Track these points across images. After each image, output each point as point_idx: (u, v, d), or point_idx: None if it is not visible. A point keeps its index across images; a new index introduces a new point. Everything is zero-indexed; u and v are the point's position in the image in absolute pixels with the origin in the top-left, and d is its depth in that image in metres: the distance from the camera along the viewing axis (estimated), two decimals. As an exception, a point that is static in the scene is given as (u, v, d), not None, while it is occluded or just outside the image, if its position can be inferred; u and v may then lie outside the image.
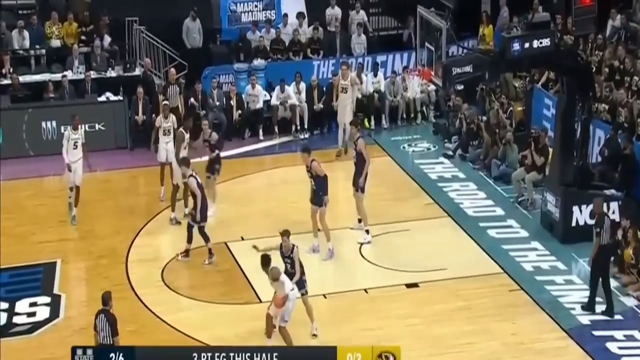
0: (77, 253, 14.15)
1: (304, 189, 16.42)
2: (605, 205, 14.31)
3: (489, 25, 20.45)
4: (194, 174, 13.70)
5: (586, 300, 12.74)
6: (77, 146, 15.03)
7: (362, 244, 14.49)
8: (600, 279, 12.60)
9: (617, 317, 12.56)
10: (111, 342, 10.17)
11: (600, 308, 12.59)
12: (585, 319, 12.50)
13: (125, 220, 15.09)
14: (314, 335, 11.99)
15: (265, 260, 11.65)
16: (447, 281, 13.34)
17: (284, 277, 11.53)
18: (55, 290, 13.29)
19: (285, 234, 12.21)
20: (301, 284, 11.96)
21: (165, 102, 16.44)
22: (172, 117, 15.67)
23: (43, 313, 12.74)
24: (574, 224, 14.42)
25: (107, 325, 10.21)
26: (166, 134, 15.47)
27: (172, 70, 18.01)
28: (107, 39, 19.66)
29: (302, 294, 11.97)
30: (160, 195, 15.68)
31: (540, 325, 12.39)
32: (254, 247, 12.36)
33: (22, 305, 12.88)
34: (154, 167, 17.54)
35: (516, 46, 13.66)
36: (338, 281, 13.46)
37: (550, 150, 15.55)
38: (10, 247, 14.26)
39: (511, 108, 18.01)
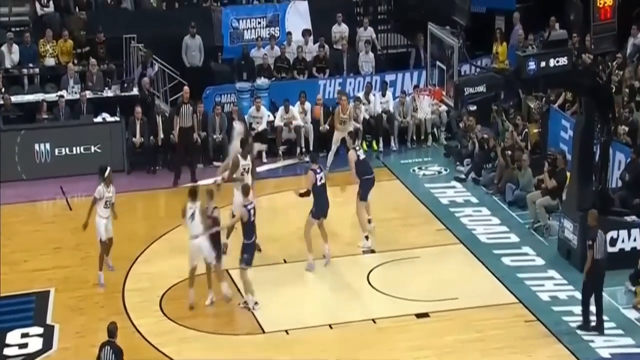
0: (71, 281, 14.29)
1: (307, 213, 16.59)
2: (626, 232, 14.51)
3: (503, 43, 20.64)
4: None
5: (607, 329, 12.88)
6: (108, 205, 14.16)
7: (363, 250, 15.09)
8: (594, 294, 12.81)
9: (638, 349, 12.64)
10: None
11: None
12: (605, 352, 12.59)
13: (122, 246, 15.21)
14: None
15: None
16: (460, 311, 13.44)
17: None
18: (49, 321, 13.40)
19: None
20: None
21: (108, 171, 14.43)
22: (112, 188, 14.39)
23: (35, 344, 12.84)
24: (593, 251, 14.49)
25: (113, 358, 10.31)
26: (107, 206, 14.23)
27: (186, 88, 18.23)
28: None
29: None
30: (100, 281, 14.24)
31: (557, 359, 12.47)
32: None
33: (13, 336, 12.99)
34: (153, 191, 17.78)
35: (532, 65, 13.81)
36: (345, 310, 13.56)
37: (568, 174, 15.69)
38: (2, 275, 14.41)
39: (526, 130, 18.17)
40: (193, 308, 13.51)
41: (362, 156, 15.36)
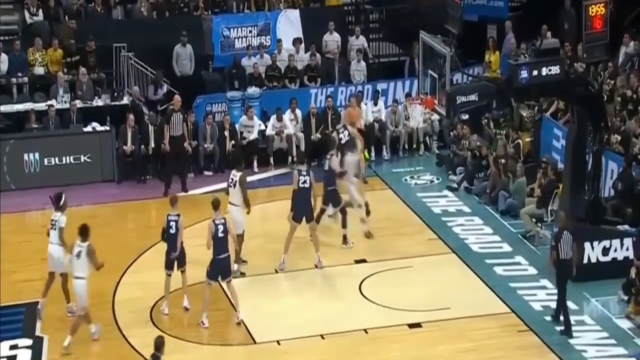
0: (60, 292, 14.23)
1: (301, 224, 16.63)
2: (619, 241, 14.60)
3: (495, 51, 20.77)
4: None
5: (599, 339, 13.00)
6: (80, 256, 12.82)
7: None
8: (558, 293, 13.24)
9: (631, 359, 12.73)
10: None
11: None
12: (597, 362, 12.68)
13: (112, 257, 15.17)
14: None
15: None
16: (452, 321, 13.49)
17: None
18: (38, 332, 13.38)
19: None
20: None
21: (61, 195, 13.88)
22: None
23: (24, 356, 12.83)
24: (585, 261, 14.58)
25: None
26: (54, 226, 13.50)
27: (177, 97, 18.27)
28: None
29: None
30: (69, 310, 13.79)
31: (550, 368, 12.56)
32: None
33: (2, 348, 12.96)
34: (143, 201, 17.78)
35: (524, 74, 13.92)
36: (337, 321, 13.61)
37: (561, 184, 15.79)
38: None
39: (519, 140, 18.26)
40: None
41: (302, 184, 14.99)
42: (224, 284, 13.59)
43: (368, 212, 16.15)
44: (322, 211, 15.80)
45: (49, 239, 13.61)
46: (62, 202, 13.73)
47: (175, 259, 13.69)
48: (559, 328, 13.30)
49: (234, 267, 14.57)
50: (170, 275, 13.81)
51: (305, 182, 14.72)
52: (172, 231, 13.66)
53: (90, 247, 12.76)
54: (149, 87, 20.00)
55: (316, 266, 14.96)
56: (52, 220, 13.66)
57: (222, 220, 13.30)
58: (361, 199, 16.03)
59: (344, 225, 15.84)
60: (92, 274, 14.29)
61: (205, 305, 13.38)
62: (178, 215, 13.65)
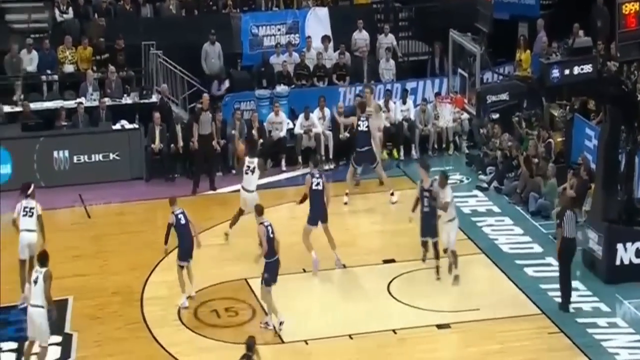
0: (89, 290, 14.39)
1: (329, 222, 16.64)
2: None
3: (526, 50, 20.61)
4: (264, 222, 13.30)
5: (632, 342, 12.94)
6: (37, 282, 12.09)
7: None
8: (562, 271, 13.68)
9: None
10: None
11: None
12: (630, 365, 12.58)
13: (141, 255, 15.33)
14: None
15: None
16: (481, 322, 13.43)
17: None
18: (67, 329, 13.50)
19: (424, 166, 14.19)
20: None
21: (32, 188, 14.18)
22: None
23: (54, 353, 12.90)
24: (618, 262, 14.49)
25: None
26: (27, 213, 13.94)
27: (205, 96, 18.39)
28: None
29: None
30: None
31: (581, 371, 12.48)
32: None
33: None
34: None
35: (556, 73, 13.83)
36: (365, 321, 13.58)
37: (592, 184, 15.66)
38: (19, 284, 14.51)
39: (550, 139, 18.13)
40: None
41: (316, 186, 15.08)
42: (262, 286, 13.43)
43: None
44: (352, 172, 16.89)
45: (19, 227, 13.83)
46: (30, 191, 14.02)
47: (190, 249, 13.85)
48: (543, 286, 14.04)
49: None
50: (183, 267, 13.90)
51: (318, 184, 14.82)
52: (183, 222, 13.90)
53: (47, 273, 11.97)
54: (212, 83, 20.06)
55: (337, 265, 14.92)
56: (26, 207, 13.89)
57: (269, 222, 13.25)
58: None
59: (382, 182, 17.08)
60: (123, 269, 14.49)
61: (270, 307, 13.24)
62: (182, 209, 13.96)
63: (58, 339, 13.23)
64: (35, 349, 12.22)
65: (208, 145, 18.19)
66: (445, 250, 14.29)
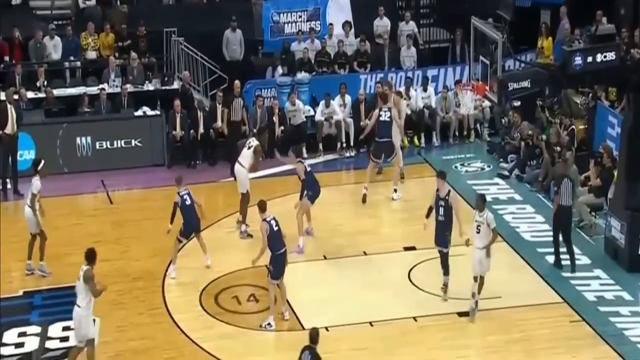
0: (112, 275, 14.36)
1: (349, 210, 16.56)
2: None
3: (549, 37, 20.36)
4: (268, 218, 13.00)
5: None
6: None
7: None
8: (562, 237, 14.13)
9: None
10: None
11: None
12: (653, 354, 12.41)
13: (162, 241, 15.27)
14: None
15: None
16: (503, 310, 13.30)
17: None
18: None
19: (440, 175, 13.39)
20: None
21: (42, 164, 14.40)
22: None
23: (76, 338, 12.94)
24: (640, 251, 14.33)
25: None
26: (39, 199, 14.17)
27: (237, 82, 18.35)
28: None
29: None
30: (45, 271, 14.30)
31: (603, 360, 12.33)
32: None
33: (54, 330, 13.11)
34: (193, 185, 17.83)
35: (578, 60, 13.74)
36: (385, 308, 13.49)
37: (615, 172, 15.46)
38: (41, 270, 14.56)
39: (573, 127, 17.92)
40: None
41: (308, 168, 15.32)
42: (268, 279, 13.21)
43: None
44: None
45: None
46: (39, 167, 14.16)
47: (194, 228, 14.16)
48: (565, 274, 14.12)
49: (242, 227, 15.27)
50: (181, 242, 14.27)
51: (308, 166, 15.40)
52: (188, 203, 14.20)
53: (88, 271, 11.53)
54: (267, 69, 20.18)
55: (307, 232, 15.20)
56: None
57: (272, 216, 13.07)
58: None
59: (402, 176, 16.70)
60: (145, 255, 14.47)
61: (272, 308, 13.03)
62: (187, 190, 14.26)
63: (80, 324, 13.23)
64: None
65: (238, 131, 18.10)
66: (475, 278, 13.09)
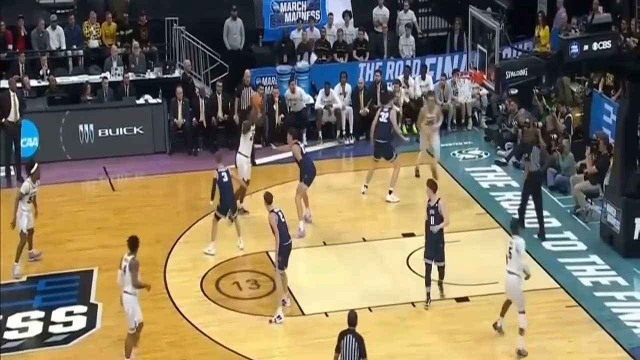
0: (114, 261, 14.10)
1: (349, 196, 16.51)
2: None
3: (546, 26, 20.30)
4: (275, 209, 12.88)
5: None
6: (30, 200, 12.96)
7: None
8: (534, 203, 14.75)
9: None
10: None
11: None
12: (647, 338, 12.38)
13: (164, 227, 15.26)
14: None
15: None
16: (500, 296, 13.16)
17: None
18: (92, 299, 13.46)
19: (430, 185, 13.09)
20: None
21: (36, 167, 14.08)
22: (38, 183, 14.15)
23: (79, 323, 12.92)
24: (636, 237, 14.28)
25: (356, 346, 10.09)
26: (30, 201, 13.98)
27: (247, 72, 18.32)
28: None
29: None
30: (15, 272, 13.88)
31: (599, 344, 12.28)
32: None
33: (58, 314, 13.09)
34: (194, 172, 17.79)
35: (575, 49, 13.58)
36: (384, 294, 13.45)
37: (611, 159, 15.40)
38: (46, 254, 14.52)
39: (569, 114, 17.86)
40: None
41: (305, 150, 15.42)
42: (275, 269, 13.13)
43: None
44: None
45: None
46: (32, 171, 13.99)
47: (230, 205, 14.16)
48: (561, 260, 14.14)
49: (242, 205, 15.37)
50: (219, 219, 14.24)
51: (305, 147, 15.58)
52: (226, 180, 14.30)
53: (133, 261, 11.53)
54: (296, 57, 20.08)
55: (305, 219, 15.15)
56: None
57: (279, 208, 12.94)
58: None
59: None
60: (147, 241, 14.41)
61: (279, 299, 12.92)
62: (226, 168, 14.32)
63: (83, 309, 13.23)
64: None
65: None
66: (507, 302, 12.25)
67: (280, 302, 12.93)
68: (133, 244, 11.62)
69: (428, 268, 12.95)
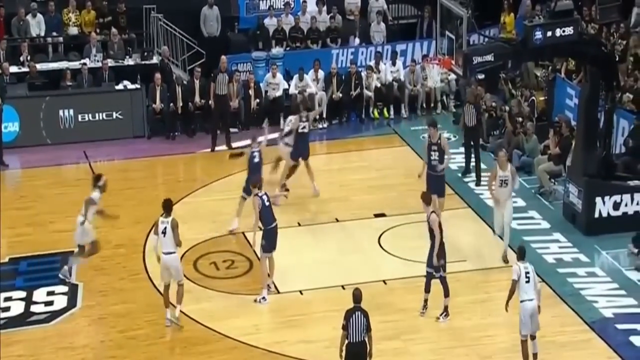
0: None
1: (322, 178, 16.43)
2: (629, 196, 14.28)
3: (511, 13, 20.28)
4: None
5: (610, 290, 12.97)
6: (166, 233, 11.95)
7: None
8: (473, 153, 16.20)
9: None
10: (365, 338, 10.21)
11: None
12: (608, 312, 12.44)
13: (143, 209, 15.10)
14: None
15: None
16: (468, 273, 13.29)
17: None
18: (73, 280, 13.27)
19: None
20: None
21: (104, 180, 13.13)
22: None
23: (61, 302, 12.79)
24: (596, 215, 14.33)
25: (365, 321, 10.19)
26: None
27: (224, 57, 18.09)
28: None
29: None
30: None
31: (562, 318, 12.33)
32: None
33: (39, 294, 12.95)
34: (172, 156, 17.64)
35: (538, 35, 13.55)
36: (356, 272, 13.40)
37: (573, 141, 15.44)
38: (28, 236, 14.36)
39: (533, 98, 17.87)
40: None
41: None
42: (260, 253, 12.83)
43: None
44: None
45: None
46: (101, 182, 13.13)
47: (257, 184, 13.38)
48: (526, 238, 14.03)
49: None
50: (245, 199, 13.98)
51: (304, 127, 15.29)
52: (256, 160, 14.25)
53: (174, 221, 11.88)
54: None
55: (314, 192, 15.37)
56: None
57: (264, 192, 12.77)
58: None
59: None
60: (127, 223, 14.25)
61: (264, 281, 12.71)
62: (259, 149, 14.32)
63: (64, 289, 13.08)
64: (173, 287, 12.18)
65: (224, 105, 17.89)
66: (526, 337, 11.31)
67: (266, 284, 12.72)
68: (168, 206, 11.96)
69: (429, 276, 12.51)
